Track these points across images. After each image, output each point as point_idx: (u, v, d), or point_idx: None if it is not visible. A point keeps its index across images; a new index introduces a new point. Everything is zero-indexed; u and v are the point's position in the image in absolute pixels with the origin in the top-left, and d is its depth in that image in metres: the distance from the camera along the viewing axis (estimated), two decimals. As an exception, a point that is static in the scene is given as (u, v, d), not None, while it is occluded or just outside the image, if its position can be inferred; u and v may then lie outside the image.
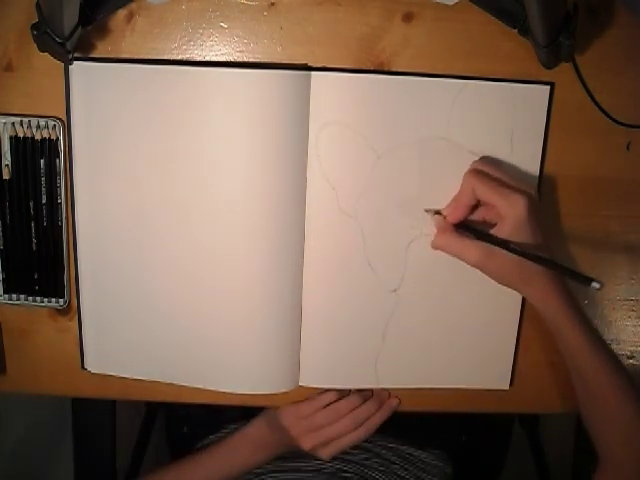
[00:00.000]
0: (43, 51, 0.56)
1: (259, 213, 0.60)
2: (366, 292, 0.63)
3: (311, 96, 0.58)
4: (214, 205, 0.60)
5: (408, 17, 0.59)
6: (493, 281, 0.62)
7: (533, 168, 0.62)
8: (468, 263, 0.58)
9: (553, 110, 0.61)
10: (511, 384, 0.67)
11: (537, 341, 0.67)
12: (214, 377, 0.65)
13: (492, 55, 0.60)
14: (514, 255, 0.55)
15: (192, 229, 0.61)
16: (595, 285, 0.52)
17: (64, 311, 0.66)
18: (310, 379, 0.66)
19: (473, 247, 0.57)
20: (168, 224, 0.61)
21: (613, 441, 0.59)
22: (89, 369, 0.66)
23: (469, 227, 0.59)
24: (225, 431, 0.82)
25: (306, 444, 0.67)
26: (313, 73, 0.58)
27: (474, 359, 0.66)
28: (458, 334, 0.65)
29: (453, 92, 0.59)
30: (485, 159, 0.60)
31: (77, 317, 0.65)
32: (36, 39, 0.54)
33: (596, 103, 0.61)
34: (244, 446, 0.71)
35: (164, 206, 0.61)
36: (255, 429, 0.71)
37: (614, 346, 0.67)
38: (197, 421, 0.84)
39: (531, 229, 0.56)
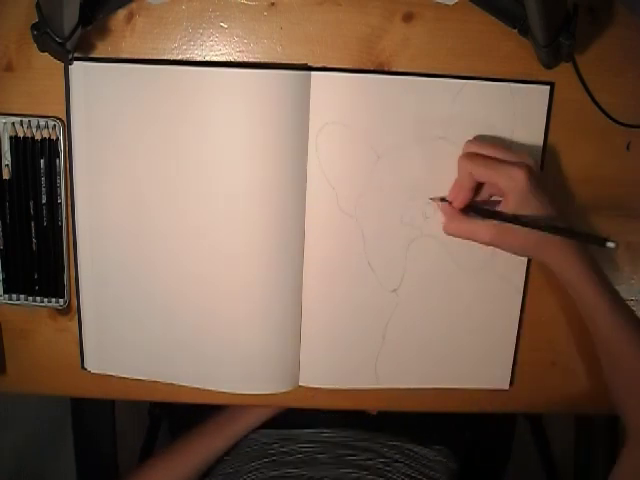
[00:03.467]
0: (43, 51, 0.56)
1: (259, 213, 0.60)
2: (366, 292, 0.63)
3: (311, 96, 0.58)
4: (214, 206, 0.60)
5: (408, 17, 0.59)
6: (493, 281, 0.62)
7: (533, 168, 0.62)
8: (482, 243, 0.58)
9: (553, 110, 0.61)
10: (511, 384, 0.67)
11: (537, 341, 0.67)
12: (214, 377, 0.65)
13: (492, 55, 0.60)
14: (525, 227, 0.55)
15: (192, 229, 0.61)
16: (610, 245, 0.52)
17: (64, 311, 0.66)
18: (310, 379, 0.66)
19: (484, 227, 0.57)
20: (168, 224, 0.61)
21: (634, 402, 0.58)
22: (89, 369, 0.66)
23: (476, 208, 0.59)
24: None
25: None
26: (313, 73, 0.58)
27: (474, 359, 0.66)
28: (458, 334, 0.65)
29: (453, 92, 0.59)
30: (477, 139, 0.60)
31: (77, 317, 0.65)
32: (36, 39, 0.54)
33: (596, 103, 0.61)
34: (225, 414, 0.75)
35: (164, 206, 0.61)
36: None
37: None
38: None
39: (536, 198, 0.56)
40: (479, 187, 0.60)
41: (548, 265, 0.60)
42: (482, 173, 0.57)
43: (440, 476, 0.80)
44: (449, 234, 0.60)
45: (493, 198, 0.60)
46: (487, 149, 0.58)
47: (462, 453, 0.87)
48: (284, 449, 0.80)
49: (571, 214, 0.64)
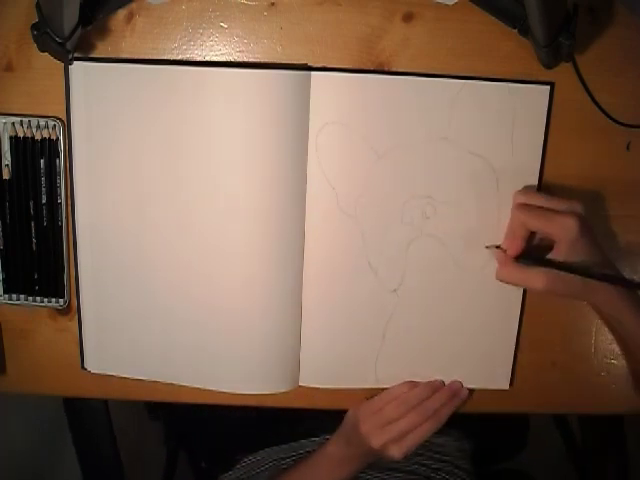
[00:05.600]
0: (43, 51, 0.56)
1: (259, 213, 0.60)
2: (366, 292, 0.63)
3: (311, 96, 0.58)
4: (214, 206, 0.60)
5: (408, 17, 0.59)
6: (493, 281, 0.62)
7: (533, 168, 0.62)
8: (536, 290, 0.59)
9: (553, 110, 0.61)
10: (511, 384, 0.67)
11: (537, 341, 0.66)
12: (214, 377, 0.65)
13: (492, 55, 0.60)
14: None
15: (192, 229, 0.61)
16: None
17: (64, 311, 0.66)
18: (310, 379, 0.66)
19: (537, 274, 0.58)
20: (168, 224, 0.61)
21: None
22: (89, 369, 0.66)
23: (529, 256, 0.60)
24: (244, 463, 0.83)
25: (376, 441, 0.65)
26: (313, 73, 0.58)
27: (474, 359, 0.66)
28: (458, 334, 0.65)
29: (453, 92, 0.59)
30: (526, 189, 0.61)
31: (77, 317, 0.65)
32: (36, 39, 0.54)
33: (596, 103, 0.61)
34: (324, 464, 0.70)
35: (164, 206, 0.61)
36: (333, 445, 0.70)
37: (614, 346, 0.67)
38: (214, 455, 0.84)
39: (586, 247, 0.58)
40: (531, 236, 0.61)
41: (600, 309, 0.62)
42: (535, 223, 0.59)
43: (453, 459, 0.80)
44: (502, 281, 0.61)
45: (544, 242, 0.61)
46: (537, 199, 0.60)
47: (477, 431, 0.87)
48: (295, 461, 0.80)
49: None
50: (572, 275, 0.57)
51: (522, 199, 0.61)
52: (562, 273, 0.57)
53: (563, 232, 0.57)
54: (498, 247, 0.62)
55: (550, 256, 0.58)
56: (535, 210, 0.59)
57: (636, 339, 0.60)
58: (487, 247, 0.62)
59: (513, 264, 0.60)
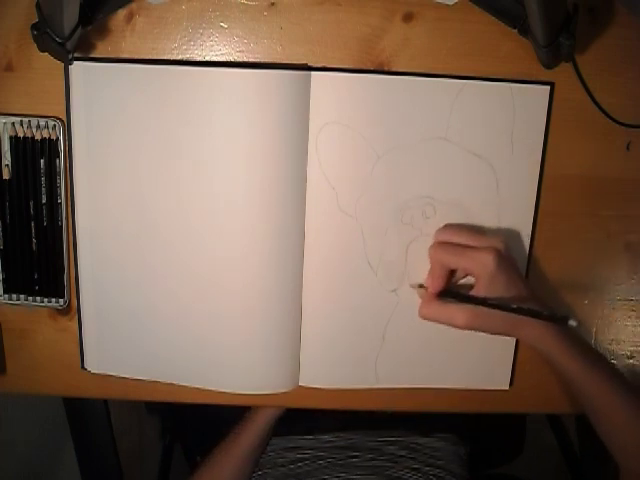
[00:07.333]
0: (43, 51, 0.56)
1: (259, 213, 0.60)
2: (366, 292, 0.63)
3: (311, 96, 0.58)
4: (214, 206, 0.60)
5: (408, 17, 0.59)
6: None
7: (533, 168, 0.62)
8: (458, 327, 0.59)
9: (553, 110, 0.61)
10: (511, 384, 0.67)
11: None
12: (214, 377, 0.65)
13: (492, 55, 0.60)
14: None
15: (192, 229, 0.61)
16: (572, 323, 0.55)
17: (64, 311, 0.66)
18: (310, 379, 0.66)
19: (457, 311, 0.58)
20: (168, 224, 0.61)
21: (627, 454, 0.59)
22: (89, 369, 0.66)
23: (451, 292, 0.60)
24: None
25: None
26: (313, 73, 0.58)
27: (474, 359, 0.66)
28: (458, 334, 0.65)
29: (453, 92, 0.59)
30: (446, 227, 0.61)
31: (77, 317, 0.65)
32: (36, 39, 0.54)
33: (596, 103, 0.61)
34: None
35: (164, 206, 0.61)
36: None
37: (614, 346, 0.67)
38: (210, 451, 0.85)
39: (504, 281, 0.58)
40: (451, 273, 0.61)
41: (524, 342, 0.61)
42: (452, 261, 0.59)
43: (446, 463, 0.80)
44: (424, 318, 0.61)
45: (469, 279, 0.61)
46: (456, 236, 0.60)
47: (475, 435, 0.87)
48: (286, 459, 0.81)
49: (571, 215, 0.64)
50: (491, 311, 0.57)
51: (442, 237, 0.61)
52: (482, 309, 0.57)
53: (480, 268, 0.57)
54: (421, 286, 0.62)
55: (471, 293, 0.59)
56: (452, 248, 0.59)
57: (568, 374, 0.59)
58: (411, 286, 0.63)
59: (434, 302, 0.60)
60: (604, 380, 0.58)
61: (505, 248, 0.58)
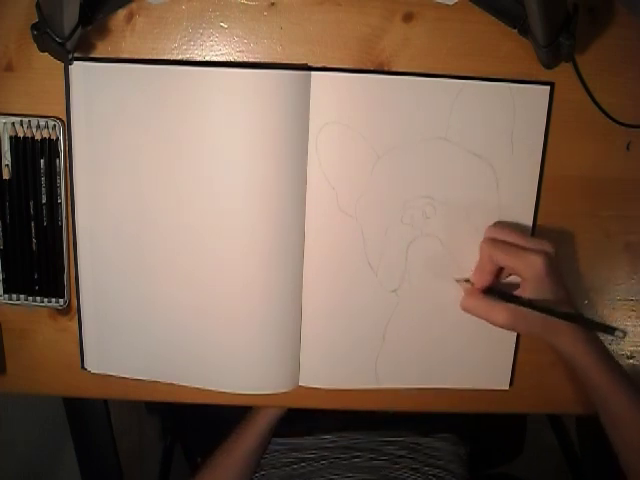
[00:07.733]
0: (43, 51, 0.56)
1: (259, 213, 0.60)
2: (366, 292, 0.63)
3: (311, 96, 0.58)
4: (214, 205, 0.60)
5: (408, 17, 0.59)
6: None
7: (533, 168, 0.62)
8: (497, 325, 0.59)
9: (553, 110, 0.61)
10: (511, 384, 0.67)
11: (537, 341, 0.66)
12: (214, 377, 0.65)
13: (492, 55, 0.60)
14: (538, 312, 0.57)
15: (192, 229, 0.61)
16: (619, 334, 0.55)
17: (64, 311, 0.66)
18: (310, 379, 0.66)
19: (499, 309, 0.59)
20: (168, 224, 0.61)
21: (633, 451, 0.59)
22: (89, 369, 0.66)
23: (495, 290, 0.61)
24: None
25: None
26: (313, 73, 0.58)
27: (474, 359, 0.66)
28: (458, 334, 0.65)
29: (453, 92, 0.59)
30: (498, 224, 0.62)
31: (77, 317, 0.65)
32: (36, 39, 0.54)
33: (596, 103, 0.61)
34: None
35: (164, 206, 0.61)
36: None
37: (614, 346, 0.67)
38: (210, 451, 0.85)
39: (552, 285, 0.58)
40: (499, 271, 0.61)
41: (558, 348, 0.61)
42: (502, 259, 0.59)
43: (446, 463, 0.80)
44: (465, 311, 0.61)
45: (513, 279, 0.61)
46: (507, 235, 0.60)
47: (475, 435, 0.87)
48: (287, 459, 0.81)
49: (571, 215, 0.64)
50: (534, 313, 0.57)
51: (493, 234, 0.61)
52: (524, 310, 0.57)
53: (529, 270, 0.57)
54: (467, 281, 0.62)
55: (516, 293, 0.59)
56: (504, 246, 0.59)
57: (589, 376, 0.59)
58: (456, 280, 0.63)
59: (478, 296, 0.60)
60: (628, 395, 0.59)
61: (555, 253, 0.59)
